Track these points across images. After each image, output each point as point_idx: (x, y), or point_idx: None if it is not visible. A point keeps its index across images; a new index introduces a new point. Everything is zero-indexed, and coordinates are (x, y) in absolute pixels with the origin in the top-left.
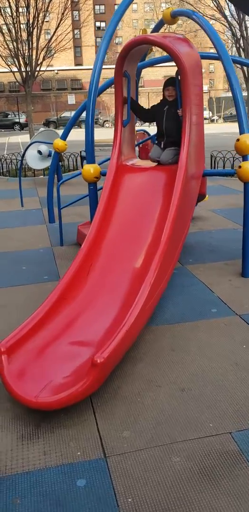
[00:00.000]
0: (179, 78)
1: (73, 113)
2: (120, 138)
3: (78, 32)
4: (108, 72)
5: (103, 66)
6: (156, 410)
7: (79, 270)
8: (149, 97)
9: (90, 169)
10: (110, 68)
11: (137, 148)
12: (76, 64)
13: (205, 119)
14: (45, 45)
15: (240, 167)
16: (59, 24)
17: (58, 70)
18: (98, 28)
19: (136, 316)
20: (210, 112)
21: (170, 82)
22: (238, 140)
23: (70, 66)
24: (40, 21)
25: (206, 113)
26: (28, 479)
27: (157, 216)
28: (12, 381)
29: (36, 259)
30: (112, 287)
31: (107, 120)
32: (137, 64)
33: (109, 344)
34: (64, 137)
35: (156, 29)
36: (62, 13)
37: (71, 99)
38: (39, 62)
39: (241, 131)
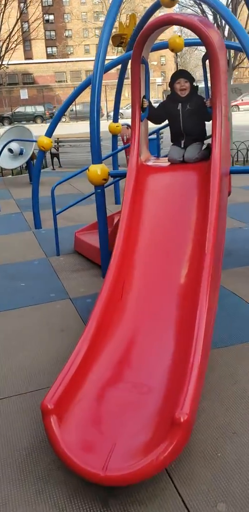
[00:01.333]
0: (207, 63)
1: (28, 108)
2: (139, 135)
3: (27, 26)
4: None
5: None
6: (246, 469)
7: (112, 293)
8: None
9: (97, 170)
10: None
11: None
12: (26, 58)
13: None
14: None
15: None
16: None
17: (8, 64)
18: (47, 21)
19: (202, 348)
20: None
21: (180, 74)
22: None
23: (20, 60)
24: None
25: None
26: None
27: (193, 221)
28: (69, 449)
29: (33, 273)
30: (156, 312)
31: (64, 115)
32: (149, 51)
33: (186, 394)
34: (49, 133)
35: (148, 15)
36: (5, 4)
37: (24, 93)
38: None
39: None
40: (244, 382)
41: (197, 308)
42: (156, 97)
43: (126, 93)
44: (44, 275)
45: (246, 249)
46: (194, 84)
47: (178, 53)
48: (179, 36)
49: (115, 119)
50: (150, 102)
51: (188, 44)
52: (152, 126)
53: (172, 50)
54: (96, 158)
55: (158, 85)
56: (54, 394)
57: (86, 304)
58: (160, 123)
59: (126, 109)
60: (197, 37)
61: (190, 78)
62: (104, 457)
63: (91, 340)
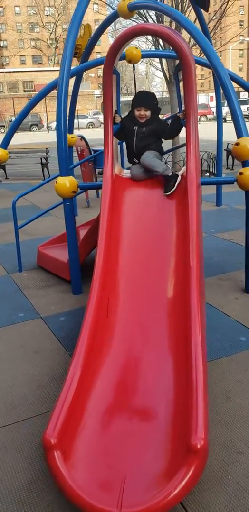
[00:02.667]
0: (181, 73)
1: None
2: (112, 146)
3: None
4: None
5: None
6: None
7: (98, 312)
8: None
9: (65, 182)
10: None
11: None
12: None
13: (102, 123)
14: None
15: (241, 173)
16: None
17: None
18: None
19: (202, 365)
20: None
21: (142, 102)
22: (237, 144)
23: None
24: None
25: None
26: None
27: (173, 234)
28: (78, 487)
29: None
30: (147, 329)
31: (3, 126)
32: (118, 61)
33: (197, 417)
34: (5, 145)
35: (105, 25)
36: None
37: None
38: None
39: (240, 134)
40: (238, 397)
41: (190, 322)
42: (95, 108)
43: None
44: (9, 294)
45: (211, 258)
46: (158, 106)
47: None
48: (136, 47)
49: (70, 131)
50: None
51: (144, 56)
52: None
53: (129, 61)
54: (64, 170)
55: (96, 97)
56: (55, 426)
57: (60, 323)
58: (120, 139)
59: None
60: (153, 50)
61: (151, 106)
62: (117, 492)
63: (84, 365)
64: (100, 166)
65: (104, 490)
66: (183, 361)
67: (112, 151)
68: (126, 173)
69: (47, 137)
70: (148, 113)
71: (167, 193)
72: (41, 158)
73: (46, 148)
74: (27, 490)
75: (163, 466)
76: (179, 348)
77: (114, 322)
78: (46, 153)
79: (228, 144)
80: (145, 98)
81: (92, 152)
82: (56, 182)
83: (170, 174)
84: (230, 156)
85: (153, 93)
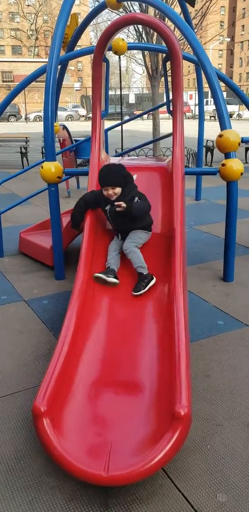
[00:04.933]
0: (170, 63)
1: None
2: (100, 131)
3: None
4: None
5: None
6: (238, 457)
7: (85, 291)
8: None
9: (51, 167)
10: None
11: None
12: None
13: (82, 116)
14: None
15: (223, 165)
16: None
17: None
18: None
19: (185, 339)
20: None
21: (107, 181)
22: (220, 136)
23: None
24: None
25: (83, 111)
26: None
27: (159, 218)
28: (67, 452)
29: None
30: (132, 306)
31: None
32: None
33: (181, 387)
34: None
35: (92, 16)
36: None
37: None
38: None
39: (223, 127)
40: (216, 375)
41: (174, 299)
42: (74, 101)
43: (36, 95)
44: None
45: (191, 249)
46: (128, 177)
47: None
48: (122, 39)
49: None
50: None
51: (130, 48)
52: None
53: (115, 53)
54: (50, 155)
55: (76, 90)
56: (44, 395)
57: (43, 306)
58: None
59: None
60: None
61: (119, 182)
62: (104, 457)
63: (72, 340)
64: (81, 156)
65: (91, 456)
66: (167, 338)
67: (100, 136)
68: (112, 159)
69: (26, 128)
70: (117, 190)
71: (135, 293)
72: (20, 147)
73: (26, 138)
74: (15, 458)
75: (148, 434)
76: (164, 325)
77: (100, 301)
78: (26, 142)
79: (207, 141)
80: (109, 176)
81: (74, 142)
82: (42, 167)
83: (145, 273)
84: (209, 153)
85: (119, 166)
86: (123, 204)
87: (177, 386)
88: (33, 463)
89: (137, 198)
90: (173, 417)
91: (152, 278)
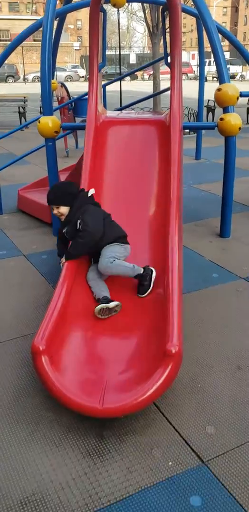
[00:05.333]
0: (167, 14)
1: None
2: (97, 84)
3: None
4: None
5: None
6: (226, 395)
7: None
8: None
9: (48, 122)
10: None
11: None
12: None
13: (81, 77)
14: None
15: (221, 119)
16: None
17: None
18: None
19: (178, 284)
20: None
21: (50, 200)
22: (219, 89)
23: None
24: None
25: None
26: (131, 507)
27: (156, 173)
28: (64, 387)
29: None
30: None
31: None
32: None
33: (173, 327)
34: None
35: None
36: None
37: None
38: None
39: (222, 81)
40: (208, 323)
41: (168, 249)
42: (74, 62)
43: (34, 56)
44: None
45: (188, 207)
46: (75, 194)
47: None
48: None
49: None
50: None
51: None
52: None
53: (114, 5)
54: (47, 109)
55: (75, 49)
56: (42, 335)
57: (42, 260)
58: None
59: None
60: None
61: (63, 200)
62: (99, 392)
63: (68, 285)
64: (80, 115)
65: (88, 391)
66: (162, 283)
67: (97, 89)
68: (109, 113)
69: (24, 88)
70: (61, 209)
71: (143, 295)
72: (19, 107)
73: (24, 97)
74: (15, 396)
75: (141, 372)
76: (159, 271)
77: None
78: (24, 102)
79: (208, 100)
80: (52, 194)
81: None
82: (39, 122)
83: (142, 271)
84: (210, 113)
85: (67, 183)
86: (63, 261)
87: (169, 326)
88: (32, 400)
89: (79, 222)
90: (165, 354)
91: (152, 271)
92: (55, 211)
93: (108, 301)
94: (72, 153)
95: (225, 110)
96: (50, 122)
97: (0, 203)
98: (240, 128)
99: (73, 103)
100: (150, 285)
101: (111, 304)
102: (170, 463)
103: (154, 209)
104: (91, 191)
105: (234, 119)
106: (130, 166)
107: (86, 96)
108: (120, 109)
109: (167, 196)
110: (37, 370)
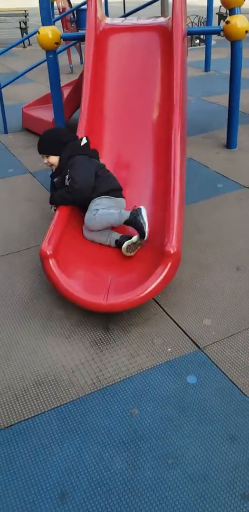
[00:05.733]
0: None
1: None
2: None
3: None
4: None
5: None
6: (224, 293)
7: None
8: None
9: (48, 33)
10: None
11: None
12: None
13: None
14: None
15: (227, 22)
16: None
17: None
18: None
19: (179, 185)
20: None
21: (39, 148)
22: None
23: None
24: None
25: None
26: (134, 385)
27: (158, 78)
28: (71, 286)
29: None
30: (134, 156)
31: None
32: None
33: (172, 230)
34: None
35: None
36: None
37: None
38: None
39: None
40: (210, 229)
41: (170, 155)
42: None
43: None
44: None
45: (196, 119)
46: (64, 141)
47: None
48: None
49: None
50: None
51: None
52: None
53: None
54: (46, 19)
55: None
56: (49, 242)
57: (49, 177)
58: None
59: None
60: None
61: (52, 149)
62: (104, 290)
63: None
64: (84, 27)
65: (93, 290)
66: (165, 187)
67: None
68: (109, 20)
69: (24, 1)
70: (51, 159)
71: (144, 238)
72: (20, 22)
73: (25, 11)
74: (29, 296)
75: (143, 272)
76: (162, 174)
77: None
78: (25, 16)
79: (220, 7)
80: (41, 142)
81: (74, 12)
82: (38, 33)
83: (129, 215)
84: (221, 21)
85: (57, 130)
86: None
87: (169, 229)
88: (44, 300)
89: (67, 177)
90: (164, 254)
91: (140, 210)
92: (45, 161)
93: (128, 237)
94: (76, 69)
95: (231, 12)
96: (50, 32)
97: (5, 122)
98: (247, 32)
99: (75, 15)
100: (145, 222)
101: (134, 238)
102: (169, 349)
103: (157, 117)
104: (84, 140)
105: (240, 22)
106: (132, 74)
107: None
108: (125, 16)
109: (170, 103)
110: (46, 273)
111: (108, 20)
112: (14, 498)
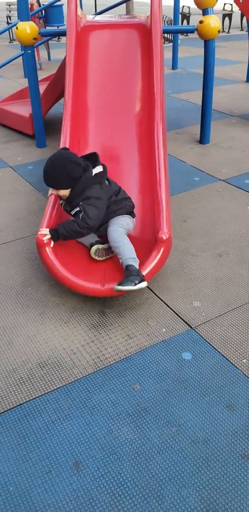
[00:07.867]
0: None
1: None
2: None
3: None
4: None
5: None
6: (209, 277)
7: (70, 145)
8: None
9: (26, 28)
10: None
11: None
12: None
13: None
14: None
15: (201, 22)
16: None
17: None
18: None
19: (165, 178)
20: None
21: (46, 182)
22: None
23: None
24: None
25: None
26: (133, 363)
27: (139, 74)
28: (68, 273)
29: None
30: (117, 155)
31: None
32: None
33: (163, 219)
34: None
35: None
36: None
37: None
38: None
39: None
40: (192, 220)
41: (154, 148)
42: None
43: None
44: None
45: (168, 116)
46: (75, 175)
47: None
48: None
49: None
50: None
51: None
52: None
53: None
54: (24, 14)
55: None
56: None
57: (29, 171)
58: None
59: None
60: None
61: (62, 183)
62: (100, 276)
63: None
64: (52, 23)
65: (89, 275)
66: (150, 179)
67: None
68: (90, 17)
69: None
70: (61, 192)
71: (120, 287)
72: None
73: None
74: (21, 285)
75: (137, 248)
76: (147, 167)
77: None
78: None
79: (183, 6)
80: (48, 175)
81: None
82: (17, 28)
83: (137, 265)
84: (185, 21)
85: (64, 160)
86: (50, 192)
87: (159, 219)
88: (38, 289)
89: (79, 209)
90: (157, 240)
91: (143, 279)
92: (53, 192)
93: (102, 242)
94: (45, 65)
95: (205, 12)
96: (29, 28)
97: None
98: (219, 31)
99: (44, 11)
100: (132, 285)
101: (105, 246)
102: (164, 330)
103: (139, 110)
104: (100, 168)
105: (213, 22)
106: (113, 70)
107: (58, 3)
108: (98, 13)
109: (151, 97)
110: (43, 260)
111: (88, 17)
112: (32, 470)
